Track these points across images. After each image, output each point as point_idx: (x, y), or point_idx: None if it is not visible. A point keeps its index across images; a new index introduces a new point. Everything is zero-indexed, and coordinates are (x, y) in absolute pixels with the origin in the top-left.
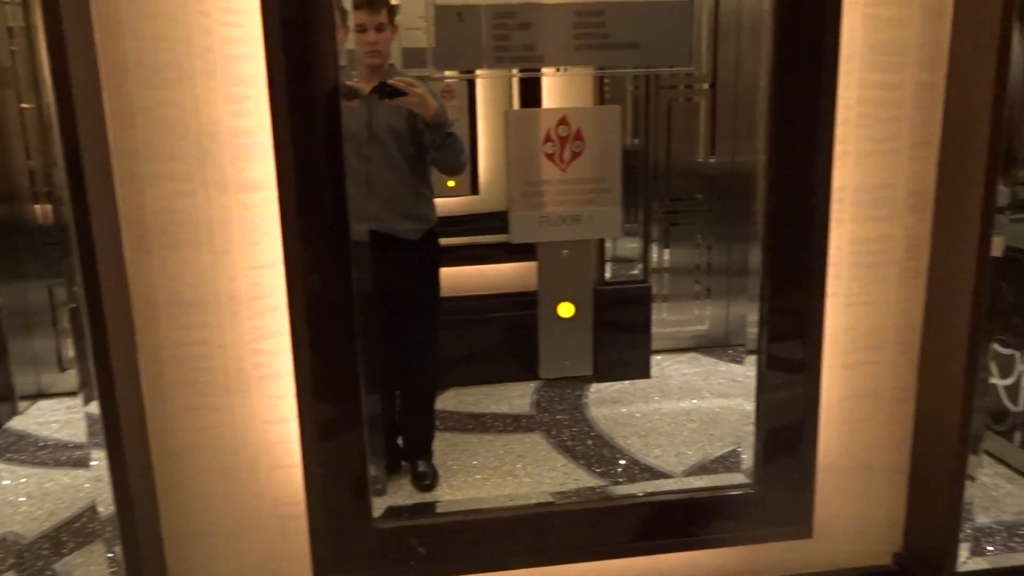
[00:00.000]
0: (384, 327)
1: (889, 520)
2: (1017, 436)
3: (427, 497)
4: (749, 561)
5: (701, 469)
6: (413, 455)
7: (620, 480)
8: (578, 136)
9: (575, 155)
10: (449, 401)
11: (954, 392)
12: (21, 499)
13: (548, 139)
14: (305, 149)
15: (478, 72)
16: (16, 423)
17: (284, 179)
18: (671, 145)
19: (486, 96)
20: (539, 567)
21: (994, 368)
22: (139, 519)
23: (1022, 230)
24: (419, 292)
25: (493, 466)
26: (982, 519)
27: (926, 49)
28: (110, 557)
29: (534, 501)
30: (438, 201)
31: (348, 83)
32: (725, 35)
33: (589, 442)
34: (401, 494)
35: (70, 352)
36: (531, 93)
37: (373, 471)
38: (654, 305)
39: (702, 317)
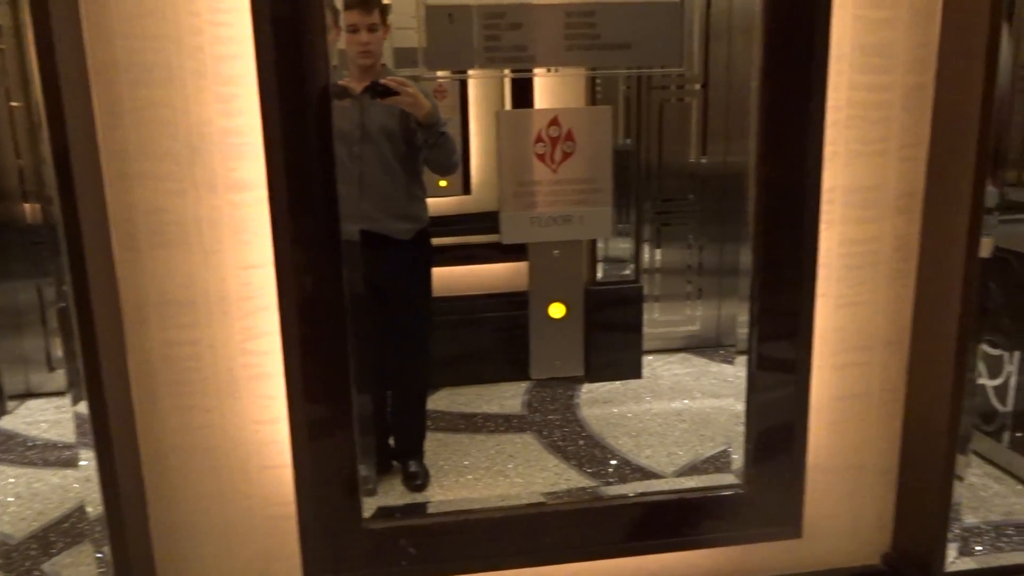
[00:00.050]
0: (376, 327)
1: (878, 520)
2: (1005, 436)
3: (418, 497)
4: (739, 561)
5: (692, 469)
6: (404, 455)
7: (611, 480)
8: (569, 136)
9: (566, 155)
10: (440, 401)
11: (943, 392)
12: (9, 499)
13: (539, 139)
14: (296, 149)
15: (470, 72)
16: (5, 423)
17: (275, 179)
18: (663, 145)
19: (478, 96)
20: (530, 567)
21: (983, 368)
22: (128, 519)
23: (1011, 231)
24: (411, 292)
25: (484, 466)
26: (970, 519)
27: (915, 51)
28: (99, 557)
29: (525, 501)
30: (430, 201)
31: (340, 83)
32: (716, 36)
33: (580, 442)
34: (392, 494)
35: (59, 352)
36: (523, 93)
37: (364, 471)
38: (645, 305)
39: (693, 317)
